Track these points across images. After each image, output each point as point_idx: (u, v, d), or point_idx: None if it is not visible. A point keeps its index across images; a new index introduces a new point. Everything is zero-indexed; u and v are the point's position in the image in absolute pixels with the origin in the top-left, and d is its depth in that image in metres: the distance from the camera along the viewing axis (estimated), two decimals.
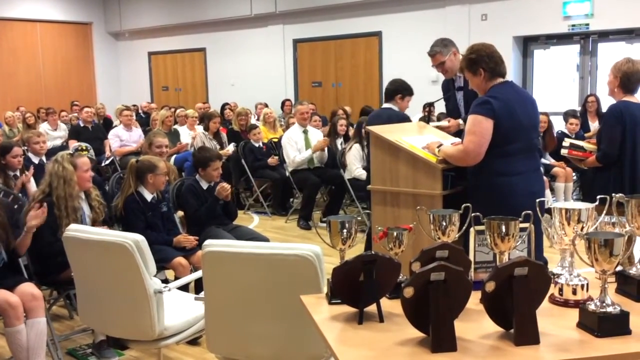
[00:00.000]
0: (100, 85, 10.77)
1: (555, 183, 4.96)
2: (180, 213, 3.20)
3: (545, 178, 4.74)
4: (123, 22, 10.47)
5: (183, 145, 5.66)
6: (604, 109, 3.82)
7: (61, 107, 8.29)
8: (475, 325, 1.27)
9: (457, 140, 2.52)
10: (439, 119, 5.91)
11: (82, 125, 6.50)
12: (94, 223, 2.67)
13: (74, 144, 5.66)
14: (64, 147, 6.03)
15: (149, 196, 2.89)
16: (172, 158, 5.37)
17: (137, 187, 2.87)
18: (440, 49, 3.03)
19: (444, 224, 1.47)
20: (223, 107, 7.57)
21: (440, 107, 6.26)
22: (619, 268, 1.42)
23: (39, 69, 10.08)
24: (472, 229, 1.51)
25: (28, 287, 2.31)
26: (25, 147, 4.37)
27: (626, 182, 2.60)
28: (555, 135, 5.00)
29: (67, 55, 10.38)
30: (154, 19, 9.98)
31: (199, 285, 2.73)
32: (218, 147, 5.66)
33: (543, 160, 4.85)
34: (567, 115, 5.27)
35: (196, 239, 2.91)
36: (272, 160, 5.35)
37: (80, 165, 2.63)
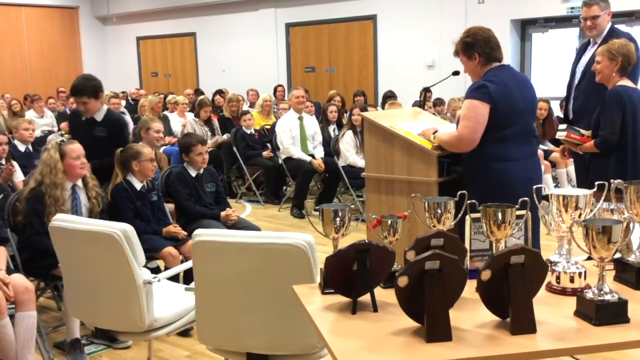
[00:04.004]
0: (88, 71, 10.47)
1: (557, 170, 4.94)
2: (171, 206, 3.14)
3: (547, 162, 4.71)
4: (110, 6, 10.24)
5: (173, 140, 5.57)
6: None
7: (47, 93, 8.12)
8: (470, 314, 1.25)
9: (454, 125, 2.48)
10: (435, 105, 5.85)
11: (68, 112, 6.38)
12: (90, 213, 2.59)
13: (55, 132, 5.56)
14: (52, 132, 5.94)
15: (138, 185, 2.83)
16: (162, 147, 5.28)
17: (125, 175, 2.81)
18: (599, 2, 2.98)
19: (439, 211, 1.45)
20: (215, 94, 7.44)
21: (436, 93, 6.13)
22: (618, 255, 1.40)
23: (24, 54, 9.86)
24: (467, 217, 1.49)
25: (20, 279, 2.24)
26: (11, 135, 4.28)
27: (628, 169, 2.55)
28: (555, 121, 4.96)
29: (53, 40, 10.16)
30: (143, 2, 9.77)
31: (189, 276, 2.70)
32: (209, 134, 5.58)
33: (542, 147, 4.80)
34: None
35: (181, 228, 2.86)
36: (267, 153, 5.30)
37: (68, 152, 2.53)
